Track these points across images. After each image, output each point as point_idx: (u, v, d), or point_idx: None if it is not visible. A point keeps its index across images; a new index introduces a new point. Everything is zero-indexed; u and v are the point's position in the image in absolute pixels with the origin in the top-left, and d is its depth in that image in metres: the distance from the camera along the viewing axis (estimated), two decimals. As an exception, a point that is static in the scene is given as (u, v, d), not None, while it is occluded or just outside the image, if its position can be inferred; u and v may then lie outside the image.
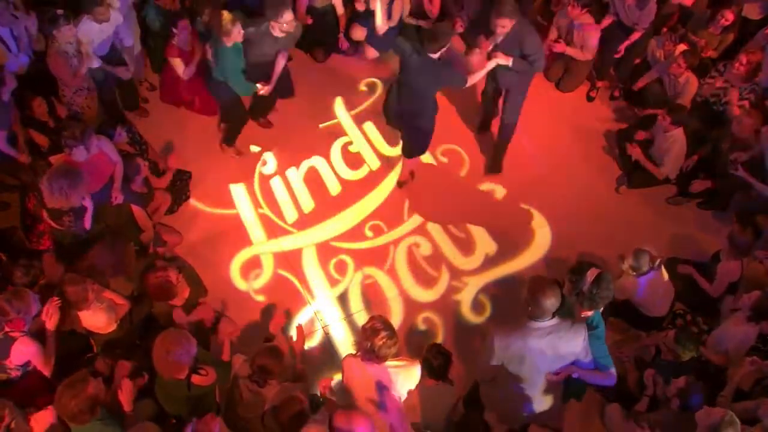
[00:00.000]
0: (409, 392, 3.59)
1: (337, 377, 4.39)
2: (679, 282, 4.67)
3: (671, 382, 3.83)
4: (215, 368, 3.69)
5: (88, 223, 4.44)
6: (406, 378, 3.50)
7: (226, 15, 5.01)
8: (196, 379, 3.56)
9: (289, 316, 4.95)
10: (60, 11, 5.01)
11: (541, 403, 3.62)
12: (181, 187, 5.56)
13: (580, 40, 5.97)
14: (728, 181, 5.31)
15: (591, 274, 3.28)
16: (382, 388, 3.45)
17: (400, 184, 5.80)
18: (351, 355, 3.64)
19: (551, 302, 3.19)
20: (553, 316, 3.29)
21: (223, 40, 5.06)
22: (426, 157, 5.96)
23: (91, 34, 5.28)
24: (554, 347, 3.30)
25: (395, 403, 3.48)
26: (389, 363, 3.47)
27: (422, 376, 3.62)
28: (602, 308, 3.45)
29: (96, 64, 5.39)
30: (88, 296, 3.87)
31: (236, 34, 5.06)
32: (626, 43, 6.01)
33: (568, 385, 3.74)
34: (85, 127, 4.61)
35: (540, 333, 3.28)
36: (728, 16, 5.64)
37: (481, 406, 4.05)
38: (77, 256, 4.38)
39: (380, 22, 5.92)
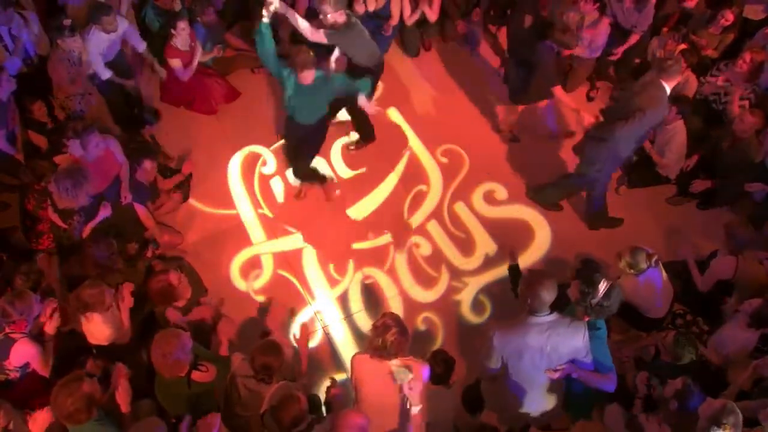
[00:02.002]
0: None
1: (340, 377, 4.40)
2: (678, 282, 4.67)
3: (668, 383, 3.82)
4: (215, 365, 3.70)
5: (88, 230, 4.45)
6: (414, 378, 3.50)
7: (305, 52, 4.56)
8: (196, 375, 3.57)
9: (290, 313, 4.96)
10: (68, 21, 5.02)
11: (542, 403, 3.62)
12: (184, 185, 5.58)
13: (589, 37, 5.97)
14: (728, 182, 5.31)
15: (603, 288, 3.31)
16: (391, 386, 3.45)
17: (514, 138, 6.03)
18: (360, 353, 3.63)
19: (550, 294, 3.24)
20: (552, 311, 3.30)
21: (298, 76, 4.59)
22: (426, 158, 5.97)
23: (101, 44, 5.31)
24: (553, 343, 3.30)
25: (403, 402, 3.49)
26: (396, 361, 3.47)
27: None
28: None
29: (107, 75, 5.41)
30: (105, 300, 3.87)
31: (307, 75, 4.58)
32: (624, 46, 6.02)
33: (572, 398, 3.74)
34: (87, 124, 4.61)
35: (539, 328, 3.29)
36: (728, 16, 5.64)
37: (480, 404, 4.06)
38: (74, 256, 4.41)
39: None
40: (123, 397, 3.50)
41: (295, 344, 4.70)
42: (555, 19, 5.10)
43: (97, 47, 5.29)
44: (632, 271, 4.29)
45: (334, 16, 4.76)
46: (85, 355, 3.97)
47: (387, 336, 3.35)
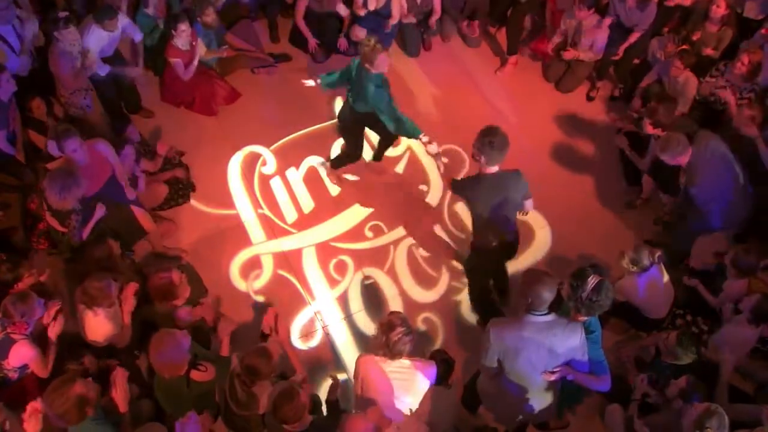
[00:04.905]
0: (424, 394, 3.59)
1: (340, 377, 4.41)
2: (679, 288, 4.65)
3: (671, 383, 3.82)
4: (214, 365, 3.72)
5: (87, 231, 4.45)
6: (421, 378, 3.50)
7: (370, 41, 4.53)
8: (195, 375, 3.59)
9: (277, 315, 4.94)
10: (63, 14, 5.03)
11: (538, 402, 3.63)
12: (180, 184, 5.56)
13: (588, 41, 5.98)
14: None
15: (592, 282, 3.29)
16: (398, 387, 3.46)
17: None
18: (365, 354, 3.63)
19: (550, 293, 3.23)
20: (550, 311, 3.29)
21: (367, 68, 4.59)
22: (426, 158, 5.96)
23: (101, 42, 5.33)
24: (550, 344, 3.30)
25: (408, 402, 3.49)
26: (404, 362, 3.47)
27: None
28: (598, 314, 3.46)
29: (104, 71, 5.41)
30: (111, 293, 3.89)
31: (381, 63, 4.56)
32: (625, 45, 6.04)
33: (562, 393, 3.74)
34: (68, 128, 4.59)
35: (537, 327, 3.28)
36: (719, 2, 5.59)
37: (478, 402, 4.06)
38: (73, 256, 4.40)
39: None
40: (120, 396, 3.50)
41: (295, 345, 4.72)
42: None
43: (96, 44, 5.32)
44: (635, 268, 4.26)
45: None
46: (81, 352, 3.97)
47: (391, 335, 3.35)
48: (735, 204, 4.64)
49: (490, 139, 3.94)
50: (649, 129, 4.92)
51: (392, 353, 3.38)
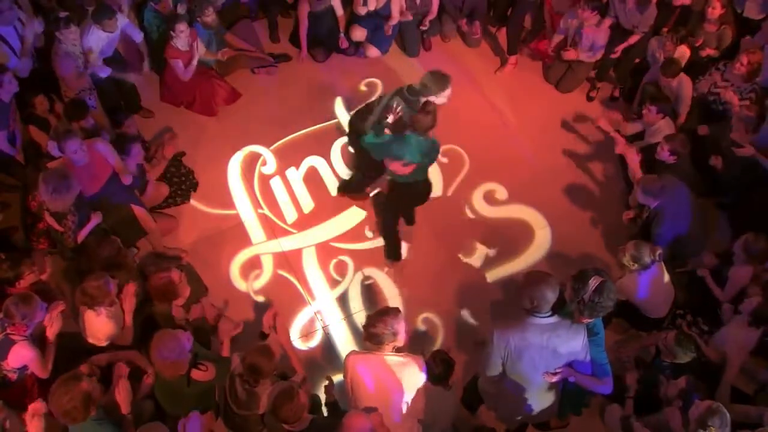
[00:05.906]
0: (417, 391, 3.58)
1: (339, 377, 4.41)
2: (679, 288, 4.65)
3: (671, 383, 3.82)
4: (214, 364, 3.72)
5: (83, 235, 4.46)
6: (411, 374, 3.50)
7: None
8: (195, 374, 3.60)
9: (277, 315, 4.93)
10: (63, 14, 5.04)
11: (539, 402, 3.63)
12: (181, 181, 5.57)
13: (589, 41, 5.99)
14: (727, 178, 5.31)
15: (593, 283, 3.26)
16: (388, 384, 3.45)
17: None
18: (352, 352, 3.64)
19: (554, 293, 3.23)
20: (553, 313, 3.29)
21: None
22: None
23: (99, 42, 5.35)
24: (553, 345, 3.30)
25: (401, 399, 3.49)
26: (393, 358, 3.46)
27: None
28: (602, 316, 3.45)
29: (105, 73, 5.42)
30: (110, 291, 3.88)
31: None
32: (623, 45, 6.04)
33: (565, 397, 3.74)
34: (68, 128, 4.58)
35: (540, 329, 3.28)
36: (714, 4, 5.60)
37: (478, 402, 4.05)
38: (76, 256, 4.40)
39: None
40: (123, 397, 3.50)
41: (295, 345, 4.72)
42: None
43: (96, 45, 5.33)
44: (636, 266, 4.23)
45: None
46: (82, 358, 3.97)
47: (378, 320, 3.38)
48: (686, 240, 4.88)
49: None
50: (665, 155, 5.01)
51: (378, 343, 3.41)
